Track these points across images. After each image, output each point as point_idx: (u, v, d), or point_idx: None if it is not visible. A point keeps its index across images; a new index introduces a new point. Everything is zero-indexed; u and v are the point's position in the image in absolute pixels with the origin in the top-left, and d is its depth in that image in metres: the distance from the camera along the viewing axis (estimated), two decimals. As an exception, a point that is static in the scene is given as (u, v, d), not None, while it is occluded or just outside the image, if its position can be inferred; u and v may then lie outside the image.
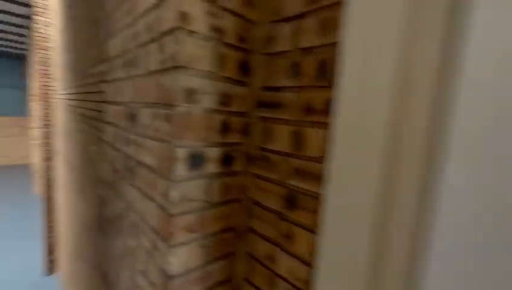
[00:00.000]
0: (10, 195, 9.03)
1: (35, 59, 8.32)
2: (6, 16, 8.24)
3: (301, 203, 0.67)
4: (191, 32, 0.61)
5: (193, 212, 0.69)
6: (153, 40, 0.70)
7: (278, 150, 0.72)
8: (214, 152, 0.71)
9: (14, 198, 8.94)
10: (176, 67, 0.60)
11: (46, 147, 4.59)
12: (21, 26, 8.88)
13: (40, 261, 5.39)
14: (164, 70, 0.65)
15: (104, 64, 1.59)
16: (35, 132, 8.68)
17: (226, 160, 0.75)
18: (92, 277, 2.10)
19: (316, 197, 0.64)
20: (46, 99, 4.46)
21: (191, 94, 0.63)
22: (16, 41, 10.63)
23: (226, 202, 0.77)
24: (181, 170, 0.64)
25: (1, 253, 5.64)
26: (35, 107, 8.51)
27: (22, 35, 9.91)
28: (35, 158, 8.81)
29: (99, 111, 1.66)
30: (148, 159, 0.75)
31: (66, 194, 3.69)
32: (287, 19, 0.68)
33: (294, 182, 0.68)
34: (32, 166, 12.86)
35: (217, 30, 0.66)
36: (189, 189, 0.67)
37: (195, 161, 0.67)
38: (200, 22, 0.62)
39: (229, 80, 0.71)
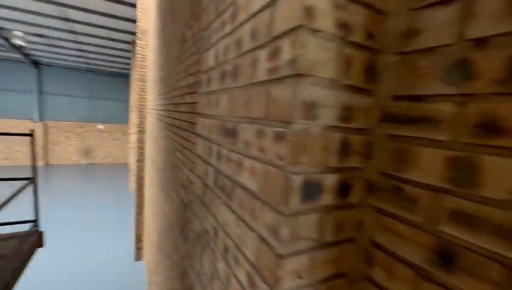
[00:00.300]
0: (112, 189, 11.00)
1: (134, 76, 10.01)
2: (115, 43, 10.21)
3: (466, 263, 0.46)
4: (315, 32, 0.48)
5: (303, 254, 0.56)
6: (261, 46, 0.61)
7: (421, 181, 0.52)
8: (330, 179, 0.56)
9: (115, 192, 10.86)
10: (294, 76, 0.49)
11: (139, 150, 5.34)
12: (126, 51, 10.89)
13: (130, 248, 6.29)
14: (276, 80, 0.55)
15: (193, 77, 1.66)
16: (132, 137, 10.37)
17: (343, 189, 0.59)
18: (171, 273, 2.23)
19: (498, 262, 0.42)
20: (141, 109, 5.21)
21: (310, 108, 0.50)
22: (122, 63, 13.09)
23: (338, 241, 0.61)
24: (294, 201, 0.52)
25: (101, 239, 6.82)
26: (132, 116, 10.18)
27: (126, 58, 12.17)
28: (131, 159, 10.49)
29: (187, 122, 1.75)
30: (249, 182, 0.66)
31: (153, 192, 4.18)
32: (443, 2, 0.49)
33: (450, 231, 0.48)
34: (128, 165, 15.45)
35: (344, 26, 0.52)
36: (300, 225, 0.54)
37: (310, 190, 0.53)
38: (326, 18, 0.49)
39: (352, 88, 0.56)
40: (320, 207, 0.56)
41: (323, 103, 0.52)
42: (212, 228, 0.94)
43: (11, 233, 1.71)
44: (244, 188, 0.69)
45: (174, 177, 2.27)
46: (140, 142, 5.25)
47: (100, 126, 15.02)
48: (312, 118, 0.51)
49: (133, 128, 10.18)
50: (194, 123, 1.59)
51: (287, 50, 0.51)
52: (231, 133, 0.76)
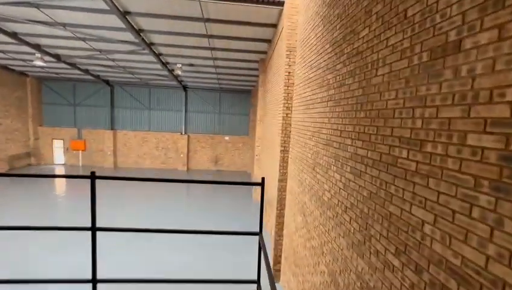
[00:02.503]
0: (237, 198, 11.94)
1: (260, 92, 10.51)
2: (243, 63, 11.16)
3: None
4: None
5: None
6: None
7: None
8: None
9: (238, 198, 11.80)
10: None
11: (282, 170, 5.20)
12: (253, 69, 11.79)
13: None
14: None
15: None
16: (256, 149, 10.97)
17: None
18: None
19: None
20: (285, 128, 5.06)
21: None
22: (247, 80, 14.40)
23: None
24: None
25: (229, 254, 7.10)
26: (258, 130, 10.76)
27: (251, 76, 13.26)
28: (256, 170, 11.10)
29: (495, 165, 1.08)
30: None
31: (307, 220, 3.81)
32: None
33: None
34: (251, 174, 16.71)
35: None
36: None
37: None
38: None
39: None
40: None
41: None
42: None
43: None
44: None
45: (398, 239, 1.65)
46: (284, 161, 5.10)
47: (227, 137, 17.09)
48: None
49: (256, 141, 10.73)
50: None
51: None
52: None
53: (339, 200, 2.66)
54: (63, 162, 17.00)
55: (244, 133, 17.21)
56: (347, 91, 2.58)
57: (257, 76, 12.83)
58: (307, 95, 4.01)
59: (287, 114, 5.00)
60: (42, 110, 16.49)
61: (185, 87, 16.75)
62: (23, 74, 15.31)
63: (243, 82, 14.74)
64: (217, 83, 15.44)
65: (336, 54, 2.92)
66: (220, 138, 17.16)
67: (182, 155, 16.97)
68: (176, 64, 11.16)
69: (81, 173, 15.17)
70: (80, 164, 17.04)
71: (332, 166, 2.89)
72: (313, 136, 3.66)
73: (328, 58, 3.14)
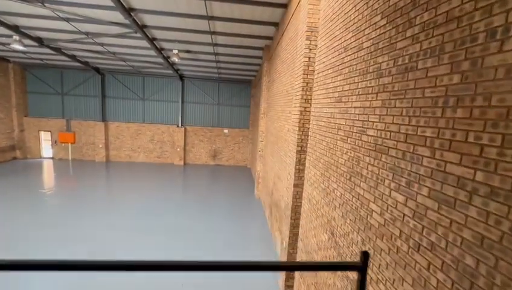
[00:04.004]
0: (239, 196, 11.17)
1: (265, 83, 9.62)
2: (246, 50, 10.21)
3: None
4: None
5: None
6: None
7: None
8: None
9: (240, 194, 11.10)
10: None
11: (297, 173, 4.46)
12: (256, 57, 10.85)
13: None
14: None
15: None
16: (259, 144, 10.19)
17: None
18: None
19: None
20: (303, 124, 4.29)
21: None
22: (248, 70, 13.45)
23: None
24: None
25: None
26: (261, 124, 9.95)
27: (254, 64, 12.30)
28: (257, 166, 10.35)
29: None
30: None
31: (330, 239, 3.11)
32: None
33: None
34: (251, 169, 15.91)
35: None
36: None
37: None
38: None
39: None
40: None
41: None
42: None
43: None
44: None
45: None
46: (300, 163, 4.35)
47: (226, 130, 16.24)
48: None
49: (261, 136, 9.95)
50: None
51: None
52: None
53: (402, 231, 1.92)
54: (51, 156, 16.02)
55: (244, 126, 16.38)
56: (421, 78, 1.80)
57: (259, 65, 11.91)
58: (338, 85, 3.22)
59: (305, 108, 4.22)
60: (27, 100, 15.36)
61: (181, 77, 15.72)
62: (4, 59, 14.10)
63: (244, 71, 13.80)
64: (216, 72, 14.45)
65: (395, 27, 2.12)
66: (218, 131, 16.30)
67: (178, 149, 16.12)
68: (171, 50, 10.18)
69: (71, 167, 14.28)
70: (70, 158, 16.09)
71: (387, 181, 2.14)
72: (348, 137, 2.89)
73: (379, 34, 2.34)
